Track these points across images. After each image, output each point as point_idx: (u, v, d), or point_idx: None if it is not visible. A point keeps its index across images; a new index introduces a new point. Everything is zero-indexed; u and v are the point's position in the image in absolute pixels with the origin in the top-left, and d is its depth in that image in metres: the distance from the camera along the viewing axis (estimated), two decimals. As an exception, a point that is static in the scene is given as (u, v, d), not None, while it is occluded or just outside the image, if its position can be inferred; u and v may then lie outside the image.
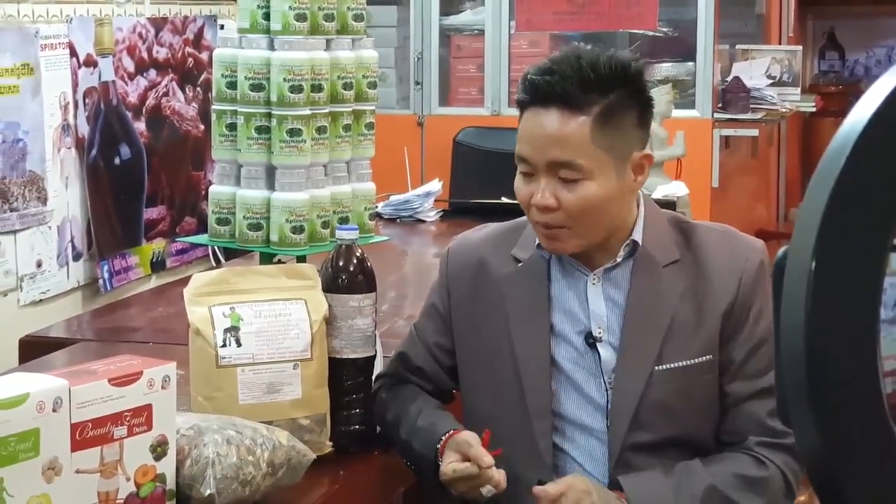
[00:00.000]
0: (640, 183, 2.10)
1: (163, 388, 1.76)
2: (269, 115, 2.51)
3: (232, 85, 2.54)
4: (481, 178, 5.05)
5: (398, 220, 4.41)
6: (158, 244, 4.60)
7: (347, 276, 2.19)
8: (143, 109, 4.51)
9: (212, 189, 2.62)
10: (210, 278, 2.15)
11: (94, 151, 4.24)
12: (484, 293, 2.19)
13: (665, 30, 5.98)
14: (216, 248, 4.22)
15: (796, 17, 7.42)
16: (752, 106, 5.99)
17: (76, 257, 4.17)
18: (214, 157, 2.63)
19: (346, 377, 2.19)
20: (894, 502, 0.88)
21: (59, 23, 4.07)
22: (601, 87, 2.02)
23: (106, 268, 4.28)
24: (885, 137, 0.87)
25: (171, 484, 1.79)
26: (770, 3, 7.12)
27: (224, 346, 2.07)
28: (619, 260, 2.11)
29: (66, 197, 4.10)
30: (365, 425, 2.22)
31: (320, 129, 2.53)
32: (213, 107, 2.61)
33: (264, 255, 2.58)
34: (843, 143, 0.87)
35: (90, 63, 4.22)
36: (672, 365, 2.08)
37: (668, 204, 3.87)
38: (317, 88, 2.51)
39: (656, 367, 2.07)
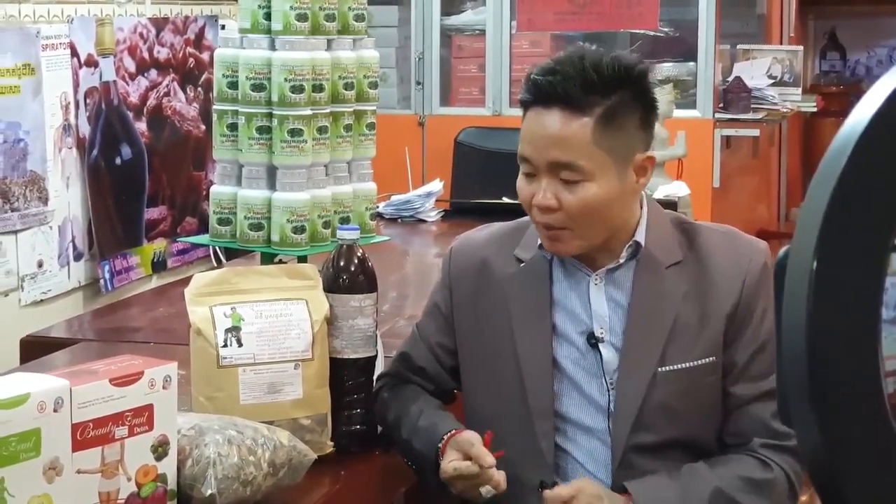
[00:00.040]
0: (643, 185, 2.09)
1: (164, 388, 1.76)
2: (270, 116, 2.51)
3: (233, 85, 2.54)
4: (482, 178, 5.05)
5: (399, 221, 4.41)
6: (159, 244, 4.60)
7: (348, 276, 2.19)
8: (145, 109, 4.51)
9: (213, 189, 2.62)
10: (211, 278, 2.15)
11: (95, 151, 4.24)
12: (486, 293, 2.19)
13: (666, 30, 5.98)
14: (217, 248, 4.22)
15: (797, 16, 7.41)
16: (753, 106, 5.99)
17: (77, 257, 4.17)
18: (215, 157, 2.63)
19: (347, 377, 2.19)
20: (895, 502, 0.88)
21: (60, 23, 4.07)
22: (604, 88, 2.01)
23: (107, 268, 4.28)
24: (886, 137, 0.87)
25: (172, 484, 1.79)
26: (771, 3, 7.12)
27: (225, 346, 2.07)
28: (621, 261, 2.10)
29: (67, 197, 4.10)
30: (366, 425, 2.22)
31: (321, 130, 2.53)
32: (215, 107, 2.60)
33: (265, 256, 2.58)
34: (845, 143, 0.87)
35: (91, 63, 4.22)
36: (675, 367, 2.07)
37: (669, 204, 3.86)
38: (318, 88, 2.51)
39: (659, 369, 2.07)
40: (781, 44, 7.12)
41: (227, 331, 2.08)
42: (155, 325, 3.21)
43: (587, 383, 2.11)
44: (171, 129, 4.67)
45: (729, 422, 2.11)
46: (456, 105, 6.08)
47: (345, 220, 2.57)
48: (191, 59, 4.77)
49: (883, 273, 0.87)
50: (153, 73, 4.56)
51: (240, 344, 2.08)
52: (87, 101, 4.20)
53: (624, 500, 2.03)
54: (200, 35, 4.83)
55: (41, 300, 4.00)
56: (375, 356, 2.23)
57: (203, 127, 4.74)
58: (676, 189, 4.51)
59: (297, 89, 2.48)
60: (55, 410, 1.61)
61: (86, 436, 1.66)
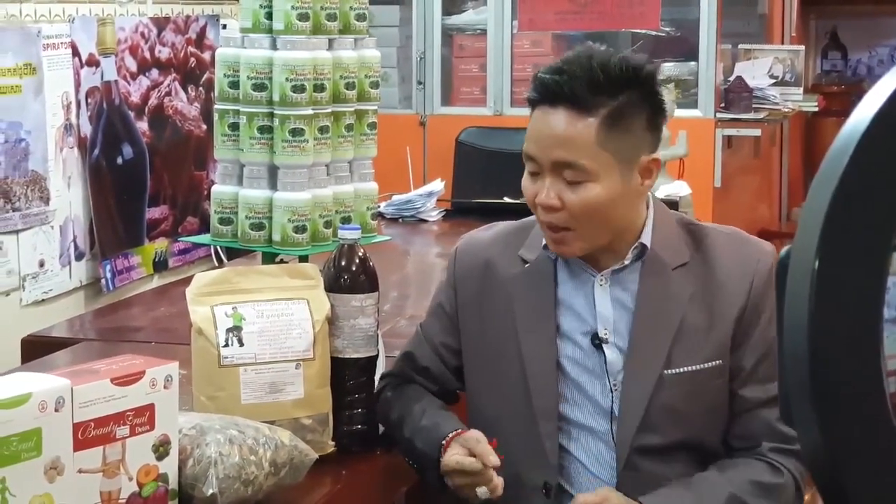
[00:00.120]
0: (648, 186, 2.07)
1: (165, 387, 1.76)
2: (271, 115, 2.51)
3: (234, 85, 2.54)
4: (483, 178, 5.05)
5: (400, 220, 4.41)
6: (161, 244, 4.60)
7: (350, 275, 2.19)
8: (146, 109, 4.52)
9: (214, 189, 2.62)
10: (212, 278, 2.15)
11: (96, 151, 4.24)
12: (491, 294, 2.18)
13: (667, 29, 5.98)
14: (218, 247, 4.22)
15: (799, 16, 7.41)
16: (754, 106, 5.98)
17: (78, 257, 4.17)
18: (217, 156, 2.63)
19: (348, 377, 2.19)
20: (897, 502, 0.88)
21: (61, 22, 4.07)
22: (611, 88, 1.99)
23: (108, 267, 4.28)
24: (887, 137, 0.86)
25: (173, 484, 1.79)
26: (772, 2, 7.12)
27: (226, 345, 2.07)
28: (627, 262, 2.10)
29: (68, 197, 4.10)
30: (367, 425, 2.22)
31: (323, 129, 2.53)
32: (216, 106, 2.60)
33: (266, 255, 2.58)
34: (846, 142, 0.86)
35: (92, 63, 4.22)
36: (681, 369, 2.06)
37: (670, 204, 3.84)
38: (319, 88, 2.51)
39: (665, 371, 2.06)
40: (783, 43, 7.12)
41: (229, 330, 2.08)
42: (156, 324, 3.21)
43: (590, 384, 2.10)
44: (173, 129, 4.67)
45: (736, 425, 2.10)
46: (457, 105, 6.08)
47: (346, 220, 2.57)
48: (192, 59, 4.77)
49: (885, 273, 0.87)
50: (154, 72, 4.56)
51: (241, 343, 2.08)
52: (89, 100, 4.20)
53: None
54: (202, 35, 4.83)
55: (42, 300, 4.00)
56: (377, 356, 2.23)
57: (204, 126, 4.74)
58: (677, 189, 4.51)
59: (299, 89, 2.48)
60: (56, 410, 1.61)
61: (87, 435, 1.66)
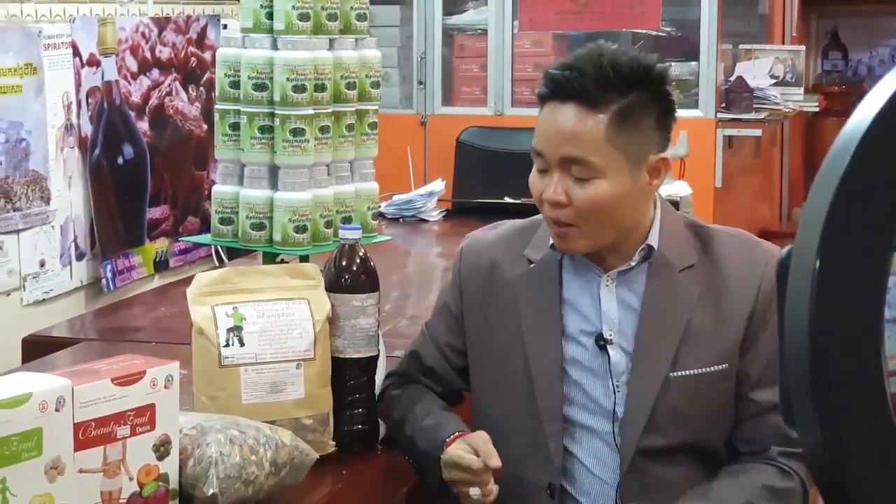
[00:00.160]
0: (656, 186, 2.07)
1: (166, 387, 1.76)
2: (272, 115, 2.51)
3: (235, 84, 2.54)
4: (484, 178, 5.05)
5: (401, 220, 4.41)
6: (161, 244, 4.60)
7: (350, 275, 2.19)
8: (147, 109, 4.52)
9: (215, 189, 2.62)
10: (213, 278, 2.15)
11: (97, 151, 4.24)
12: (496, 294, 2.18)
13: (668, 29, 5.98)
14: (219, 247, 4.22)
15: (799, 16, 7.41)
16: (755, 106, 5.98)
17: (79, 257, 4.17)
18: (217, 156, 2.63)
19: (349, 377, 2.19)
20: (898, 502, 0.88)
21: (62, 22, 4.07)
22: (620, 86, 1.99)
23: (109, 267, 4.28)
24: (888, 137, 0.86)
25: (174, 483, 1.79)
26: (773, 2, 7.12)
27: (227, 345, 2.07)
28: (633, 263, 2.09)
29: (69, 196, 4.10)
30: (368, 425, 2.22)
31: (323, 129, 2.53)
32: (217, 106, 2.60)
33: (267, 255, 2.58)
34: (847, 142, 0.86)
35: (93, 63, 4.22)
36: (687, 372, 2.06)
37: (670, 204, 3.86)
38: (320, 88, 2.51)
39: (671, 374, 2.05)
40: (783, 43, 7.12)
41: (229, 330, 2.08)
42: (157, 324, 3.21)
43: (592, 385, 2.10)
44: (173, 129, 4.67)
45: (744, 428, 2.10)
46: (458, 105, 6.08)
47: (347, 220, 2.57)
48: (193, 59, 4.77)
49: (886, 273, 0.87)
50: (155, 72, 4.56)
51: (242, 343, 2.08)
52: (89, 100, 4.20)
53: None
54: (202, 34, 4.83)
55: (43, 300, 4.00)
56: (377, 356, 2.23)
57: (205, 126, 4.74)
58: (678, 189, 4.51)
59: (300, 89, 2.48)
60: (57, 410, 1.61)
61: (88, 435, 1.66)
